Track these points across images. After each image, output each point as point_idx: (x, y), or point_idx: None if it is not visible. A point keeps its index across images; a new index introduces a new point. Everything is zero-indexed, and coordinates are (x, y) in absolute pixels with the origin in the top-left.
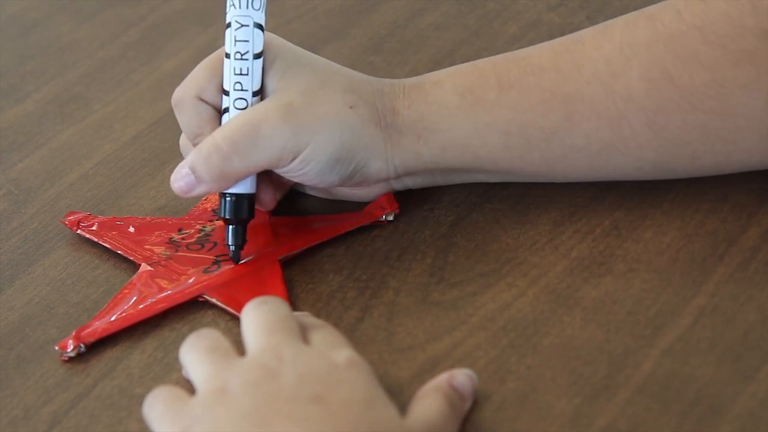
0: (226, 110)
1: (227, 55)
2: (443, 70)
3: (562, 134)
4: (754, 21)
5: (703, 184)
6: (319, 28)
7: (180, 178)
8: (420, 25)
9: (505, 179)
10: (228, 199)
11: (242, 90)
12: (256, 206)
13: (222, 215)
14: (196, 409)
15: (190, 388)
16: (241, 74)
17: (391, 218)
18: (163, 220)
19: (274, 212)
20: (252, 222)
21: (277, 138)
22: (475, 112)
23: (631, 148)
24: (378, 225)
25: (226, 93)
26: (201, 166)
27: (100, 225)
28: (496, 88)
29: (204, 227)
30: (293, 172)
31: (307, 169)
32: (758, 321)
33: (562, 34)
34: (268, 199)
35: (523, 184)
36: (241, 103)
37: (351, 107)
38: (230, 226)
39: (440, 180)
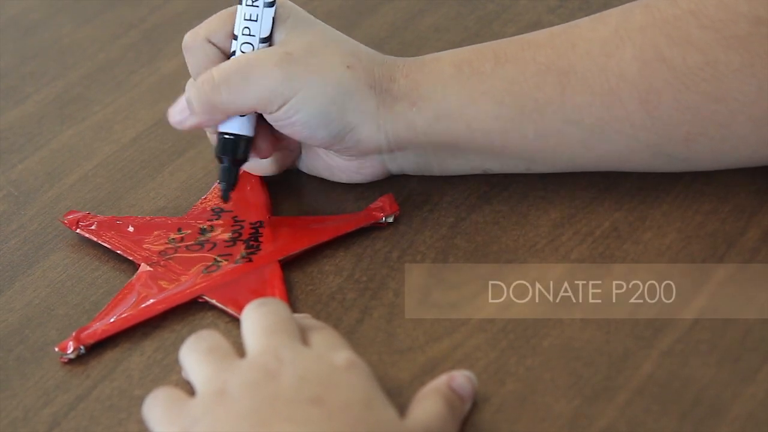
0: (233, 53)
1: (240, 2)
2: (444, 51)
3: (556, 107)
4: (748, 7)
5: (703, 185)
6: None
7: (177, 111)
8: (420, 27)
9: (502, 165)
10: (224, 137)
11: (250, 35)
12: (254, 156)
13: (216, 152)
14: (195, 410)
15: (189, 390)
16: (250, 20)
17: (391, 220)
18: (163, 219)
19: (274, 212)
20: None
21: (267, 79)
22: (471, 82)
23: (625, 127)
24: (378, 226)
25: (235, 37)
26: (193, 96)
27: (100, 224)
28: (492, 61)
29: (204, 227)
30: (281, 120)
31: (294, 118)
32: (758, 322)
33: None
34: (265, 147)
35: (524, 185)
36: (248, 48)
37: (348, 67)
38: (223, 165)
39: (434, 162)
